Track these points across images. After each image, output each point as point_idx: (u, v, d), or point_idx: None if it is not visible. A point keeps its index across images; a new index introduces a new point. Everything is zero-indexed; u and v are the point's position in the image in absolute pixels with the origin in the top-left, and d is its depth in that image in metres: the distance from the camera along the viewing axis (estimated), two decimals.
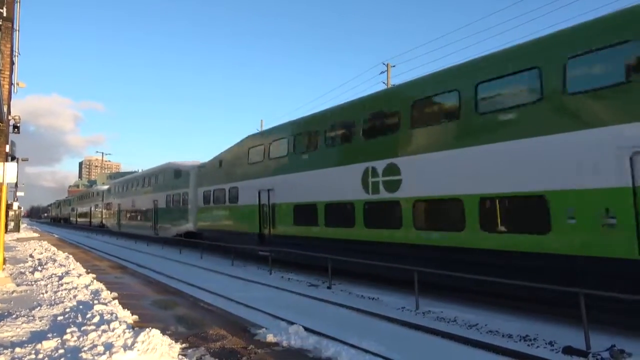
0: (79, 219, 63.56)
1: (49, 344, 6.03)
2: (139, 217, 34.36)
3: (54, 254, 19.43)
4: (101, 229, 46.71)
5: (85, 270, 14.40)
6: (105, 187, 51.06)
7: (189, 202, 24.95)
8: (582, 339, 6.73)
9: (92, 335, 6.19)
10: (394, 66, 29.25)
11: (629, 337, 7.15)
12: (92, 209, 53.91)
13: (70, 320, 7.48)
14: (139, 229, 33.57)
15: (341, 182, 13.30)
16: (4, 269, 12.47)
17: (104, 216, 46.71)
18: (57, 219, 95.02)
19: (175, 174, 27.86)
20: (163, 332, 6.54)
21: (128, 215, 37.25)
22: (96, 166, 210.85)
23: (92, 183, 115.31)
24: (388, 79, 28.98)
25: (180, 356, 6.00)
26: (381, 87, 29.22)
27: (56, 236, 42.20)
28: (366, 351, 6.55)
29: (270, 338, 6.89)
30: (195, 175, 24.86)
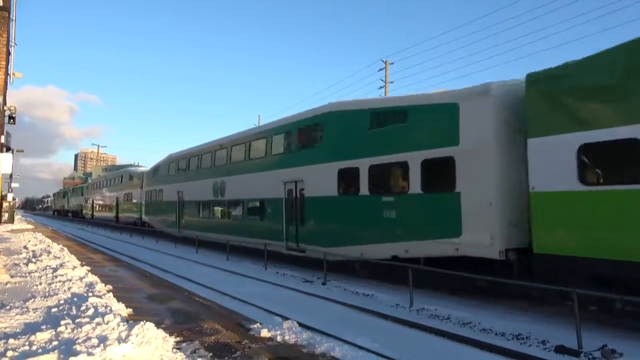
0: (97, 213, 48.49)
1: (42, 336, 6.01)
2: (234, 215, 19.78)
3: (49, 246, 19.34)
4: (138, 228, 32.87)
5: (80, 262, 14.37)
6: (143, 168, 38.55)
7: (479, 176, 9.62)
8: (574, 338, 6.78)
9: (87, 327, 6.18)
10: (392, 63, 29.29)
11: (621, 336, 7.22)
12: (120, 199, 39.43)
13: (65, 312, 7.46)
14: (239, 233, 18.86)
15: None
16: None
17: (145, 210, 31.89)
18: (62, 212, 77.34)
19: (389, 116, 12.10)
20: (157, 326, 6.55)
21: (204, 210, 22.63)
22: (92, 158, 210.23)
23: (88, 176, 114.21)
24: (386, 76, 29.01)
25: (174, 349, 6.01)
26: (380, 84, 29.25)
27: (50, 228, 42.01)
28: (360, 347, 6.60)
29: (264, 333, 6.91)
30: (505, 109, 9.57)
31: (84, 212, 56.35)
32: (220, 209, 21.19)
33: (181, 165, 26.18)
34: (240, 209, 19.27)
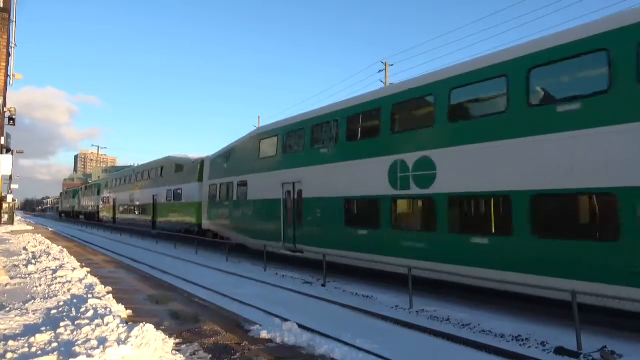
0: (122, 216, 37.82)
1: (42, 338, 6.02)
2: (476, 225, 9.76)
3: (48, 247, 19.35)
4: (194, 238, 22.56)
5: (79, 264, 14.36)
6: (193, 155, 27.34)
7: None
8: (573, 339, 6.79)
9: (86, 329, 6.19)
10: (392, 65, 29.35)
11: (620, 338, 7.22)
12: (161, 197, 28.86)
13: (64, 314, 7.47)
14: (505, 265, 8.72)
15: None
16: None
17: (209, 213, 22.01)
18: (72, 214, 64.58)
19: None
20: (157, 327, 6.55)
21: (365, 213, 12.75)
22: (91, 160, 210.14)
23: (88, 177, 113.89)
24: (386, 77, 29.06)
25: (174, 351, 6.01)
26: (379, 85, 29.30)
27: (50, 229, 41.98)
28: (359, 349, 6.59)
29: (264, 334, 6.91)
30: None
31: (101, 214, 45.12)
32: (416, 210, 11.48)
33: (292, 142, 16.01)
34: (503, 212, 9.24)
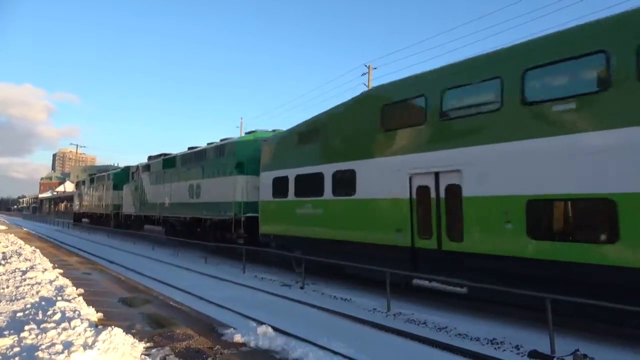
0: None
1: (4, 342, 5.78)
2: None
3: (21, 247, 18.76)
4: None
5: (51, 265, 13.93)
6: None
7: None
8: (547, 342, 6.84)
9: (52, 333, 5.96)
10: (375, 68, 29.47)
11: (593, 341, 7.31)
12: None
13: (30, 317, 7.20)
14: None
15: None
16: None
17: None
18: (121, 218, 32.56)
19: None
20: (128, 331, 6.36)
21: None
22: (70, 159, 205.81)
23: (66, 176, 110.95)
24: (369, 81, 29.17)
25: (143, 356, 5.84)
26: (363, 88, 29.39)
27: (25, 229, 40.82)
28: (334, 352, 6.51)
29: (237, 338, 6.77)
30: None
31: (267, 227, 14.91)
32: None
33: None
34: None
